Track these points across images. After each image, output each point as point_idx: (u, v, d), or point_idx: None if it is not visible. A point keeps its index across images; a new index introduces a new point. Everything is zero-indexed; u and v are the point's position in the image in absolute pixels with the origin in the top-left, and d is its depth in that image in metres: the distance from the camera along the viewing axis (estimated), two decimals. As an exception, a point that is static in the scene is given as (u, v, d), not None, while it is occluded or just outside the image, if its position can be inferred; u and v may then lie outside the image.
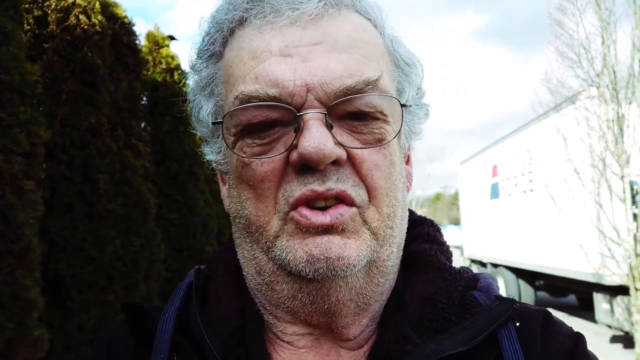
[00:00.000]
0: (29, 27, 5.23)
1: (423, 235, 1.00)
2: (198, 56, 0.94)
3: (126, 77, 6.22)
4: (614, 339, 11.17)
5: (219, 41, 0.89)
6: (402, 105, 0.85)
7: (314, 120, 0.76)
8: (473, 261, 20.35)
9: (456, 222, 56.79)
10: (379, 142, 0.82)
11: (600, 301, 11.18)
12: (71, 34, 5.28)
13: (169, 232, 7.81)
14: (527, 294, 14.96)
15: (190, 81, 0.97)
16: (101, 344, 0.95)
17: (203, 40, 0.92)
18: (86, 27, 5.30)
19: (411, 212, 1.01)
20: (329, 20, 0.81)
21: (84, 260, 5.36)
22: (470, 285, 0.93)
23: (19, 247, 3.91)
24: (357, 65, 0.80)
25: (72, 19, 5.27)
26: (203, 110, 0.93)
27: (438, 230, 1.03)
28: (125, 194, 5.93)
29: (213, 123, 0.90)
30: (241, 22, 0.86)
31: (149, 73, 7.75)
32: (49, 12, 5.33)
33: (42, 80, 4.38)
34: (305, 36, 0.79)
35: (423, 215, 1.06)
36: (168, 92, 7.79)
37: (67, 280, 5.28)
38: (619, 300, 10.30)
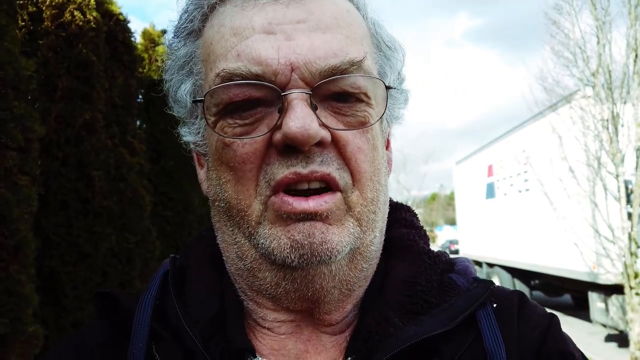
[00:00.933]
0: (23, 23, 5.22)
1: (400, 220, 0.99)
2: (175, 34, 0.91)
3: (121, 74, 6.21)
4: (609, 338, 11.21)
5: (198, 18, 0.86)
6: (387, 88, 0.84)
7: (298, 100, 0.74)
8: (469, 261, 20.36)
9: (452, 222, 56.83)
10: (362, 125, 0.80)
11: (595, 300, 11.22)
12: (66, 31, 5.28)
13: (165, 229, 7.81)
14: (522, 293, 14.97)
15: (167, 61, 0.93)
16: (72, 337, 0.93)
17: (181, 18, 0.89)
18: (81, 23, 5.29)
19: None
20: None
21: (78, 257, 5.35)
22: (447, 268, 0.94)
23: (14, 242, 3.91)
24: (340, 45, 0.78)
25: (67, 15, 5.26)
26: (181, 90, 0.90)
27: (415, 215, 1.03)
28: (121, 190, 5.92)
29: (193, 101, 0.88)
30: None
31: (145, 71, 7.74)
32: (44, 8, 5.33)
33: (36, 76, 4.37)
34: (289, 14, 0.78)
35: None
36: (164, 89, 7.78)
37: (62, 277, 5.27)
38: (614, 299, 10.34)
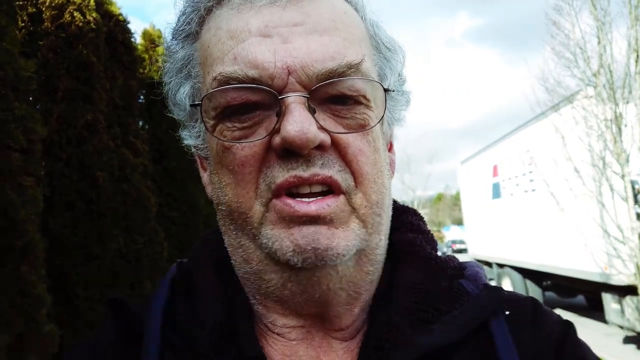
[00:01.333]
0: (23, 24, 5.23)
1: (407, 225, 0.97)
2: (173, 37, 0.91)
3: (121, 74, 6.22)
4: (627, 340, 10.83)
5: (195, 21, 0.86)
6: (386, 90, 0.84)
7: (296, 104, 0.73)
8: (478, 262, 20.19)
9: (459, 222, 56.80)
10: (362, 127, 0.80)
11: (609, 301, 10.93)
12: (66, 31, 5.29)
13: (171, 230, 7.81)
14: (534, 295, 14.68)
15: (166, 64, 0.93)
16: (84, 343, 0.92)
17: (178, 21, 0.89)
18: (81, 24, 5.30)
19: (394, 201, 0.98)
20: (309, 1, 0.80)
21: (86, 258, 5.37)
22: (457, 273, 0.91)
23: (22, 244, 3.91)
24: (338, 47, 0.78)
25: (67, 16, 5.27)
26: (180, 93, 0.90)
27: (421, 219, 1.01)
28: (125, 191, 5.92)
29: (191, 105, 0.88)
30: (219, 0, 0.83)
31: (146, 71, 7.74)
32: (44, 9, 5.34)
33: (37, 77, 4.37)
34: (285, 16, 0.77)
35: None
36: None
37: (73, 277, 5.28)
38: (629, 300, 10.09)
